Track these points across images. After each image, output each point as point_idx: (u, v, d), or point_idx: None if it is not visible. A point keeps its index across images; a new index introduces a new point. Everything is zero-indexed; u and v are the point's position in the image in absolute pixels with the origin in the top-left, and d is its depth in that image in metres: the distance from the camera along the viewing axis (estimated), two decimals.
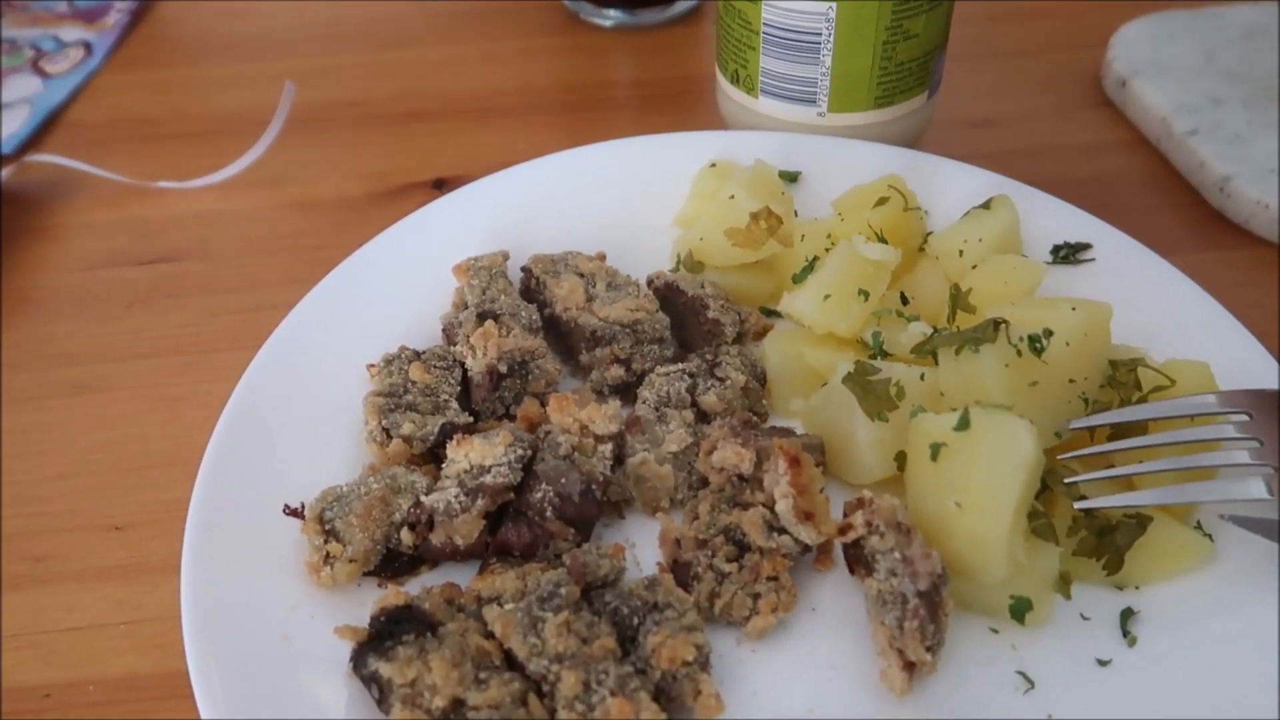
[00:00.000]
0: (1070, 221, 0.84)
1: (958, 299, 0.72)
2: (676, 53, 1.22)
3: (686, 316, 0.78)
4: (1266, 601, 0.60)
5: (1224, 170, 0.94)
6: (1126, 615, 0.61)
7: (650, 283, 0.81)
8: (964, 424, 0.60)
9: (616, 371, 0.74)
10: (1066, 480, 0.63)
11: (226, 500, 0.65)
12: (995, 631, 0.61)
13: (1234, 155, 0.95)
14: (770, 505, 0.64)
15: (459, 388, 0.72)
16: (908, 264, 0.80)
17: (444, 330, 0.77)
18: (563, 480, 0.64)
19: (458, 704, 0.54)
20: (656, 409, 0.71)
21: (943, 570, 0.57)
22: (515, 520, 0.64)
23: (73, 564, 0.71)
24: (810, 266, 0.77)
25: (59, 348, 0.88)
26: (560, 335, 0.78)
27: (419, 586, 0.63)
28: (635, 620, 0.59)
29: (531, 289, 0.80)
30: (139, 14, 1.34)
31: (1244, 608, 0.60)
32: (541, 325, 0.77)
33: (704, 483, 0.68)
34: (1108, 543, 0.62)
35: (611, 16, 1.26)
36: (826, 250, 0.78)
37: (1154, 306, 0.76)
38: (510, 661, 0.57)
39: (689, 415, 0.71)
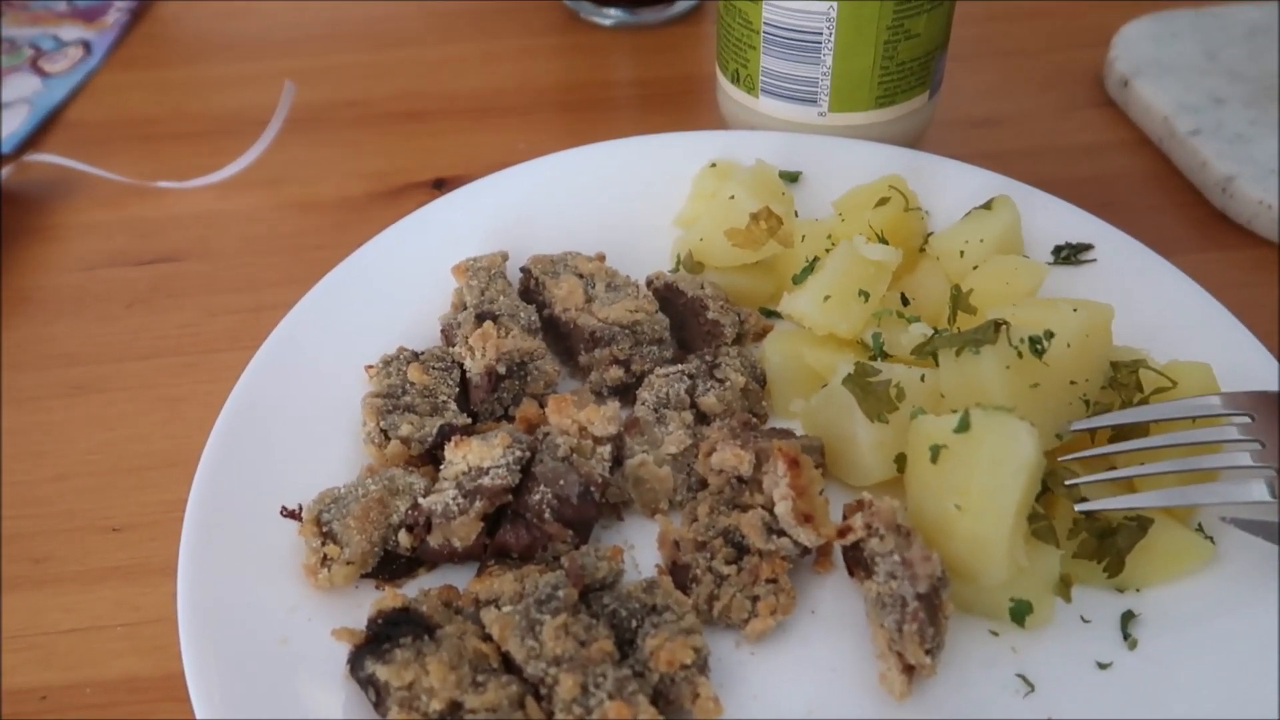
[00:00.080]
0: (1072, 222, 0.83)
1: (958, 300, 0.72)
2: (677, 52, 1.22)
3: (686, 317, 0.78)
4: (1268, 604, 0.60)
5: (1226, 170, 0.93)
6: (1127, 618, 0.61)
7: (650, 283, 0.80)
8: (964, 426, 0.60)
9: (615, 373, 0.74)
10: (1067, 482, 0.63)
11: (224, 502, 0.65)
12: (995, 634, 0.61)
13: (1236, 155, 0.95)
14: (769, 507, 0.64)
15: (458, 389, 0.72)
16: (908, 264, 0.79)
17: (443, 331, 0.77)
18: (561, 482, 0.64)
19: (455, 707, 0.54)
20: (655, 410, 0.71)
21: (942, 573, 0.57)
22: (513, 522, 0.64)
23: (72, 565, 0.71)
24: (810, 267, 0.77)
25: (58, 348, 0.88)
26: (559, 336, 0.78)
27: (417, 589, 0.63)
28: (634, 623, 0.59)
29: (531, 290, 0.80)
30: (138, 13, 1.34)
31: (1245, 610, 0.60)
32: (540, 326, 0.76)
33: (703, 484, 0.68)
34: (1108, 545, 0.61)
35: (612, 15, 1.25)
36: (827, 251, 0.78)
37: (1156, 307, 0.76)
38: (508, 664, 0.57)
39: (688, 417, 0.70)
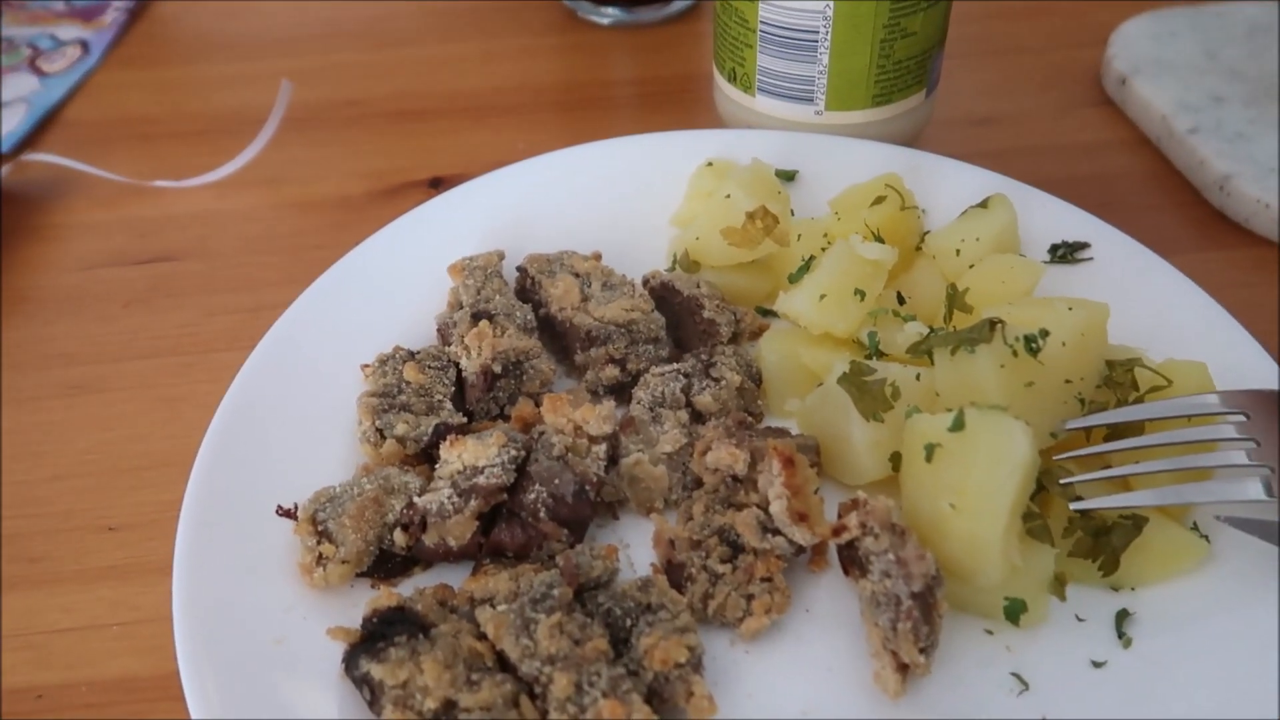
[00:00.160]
0: (1068, 221, 0.83)
1: (955, 298, 0.72)
2: (675, 51, 1.22)
3: (682, 316, 0.78)
4: (1263, 603, 0.60)
5: (1224, 169, 0.93)
6: (1122, 617, 0.61)
7: (646, 282, 0.80)
8: (959, 425, 0.60)
9: (611, 372, 0.74)
10: (1062, 481, 0.63)
11: (220, 501, 0.65)
12: (990, 633, 0.61)
13: (1234, 154, 0.94)
14: (764, 506, 0.64)
15: (453, 388, 0.72)
16: (905, 263, 0.79)
17: (439, 330, 0.77)
18: (556, 481, 0.64)
19: (449, 705, 0.54)
20: (651, 409, 0.71)
21: (936, 572, 0.57)
22: (508, 521, 0.64)
23: (69, 565, 0.71)
24: (807, 266, 0.77)
25: (57, 348, 0.88)
26: (555, 335, 0.78)
27: (412, 588, 0.63)
28: (628, 621, 0.59)
29: (527, 289, 0.80)
30: (136, 13, 1.34)
31: (1240, 609, 0.60)
32: (536, 325, 0.77)
33: (698, 483, 0.68)
34: (1103, 544, 0.61)
35: (609, 14, 1.25)
36: (823, 250, 0.78)
37: (1152, 306, 0.76)
38: (503, 663, 0.57)
39: (684, 415, 0.70)
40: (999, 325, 0.64)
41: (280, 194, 1.03)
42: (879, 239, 0.77)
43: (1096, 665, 0.59)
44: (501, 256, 0.81)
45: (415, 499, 0.64)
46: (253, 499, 0.66)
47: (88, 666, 0.65)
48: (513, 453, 0.65)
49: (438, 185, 1.03)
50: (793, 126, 0.92)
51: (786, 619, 0.62)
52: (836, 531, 0.60)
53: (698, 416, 0.72)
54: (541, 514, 0.63)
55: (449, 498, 0.63)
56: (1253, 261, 0.90)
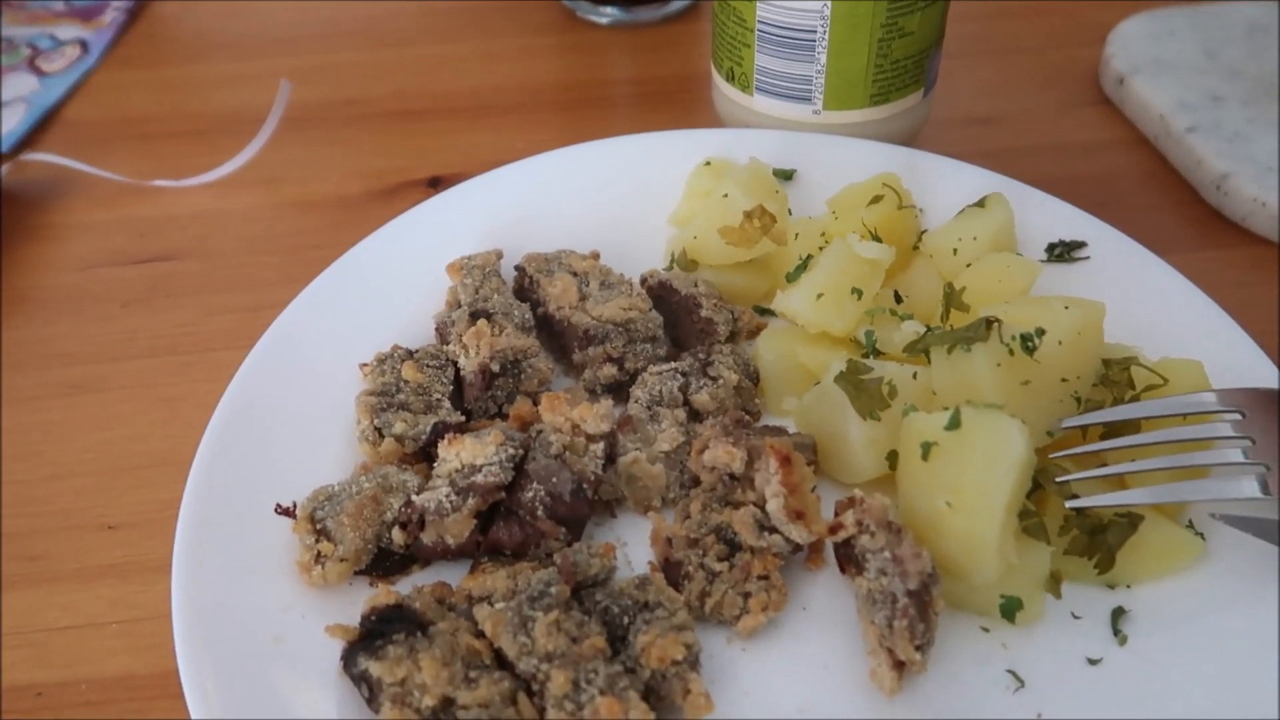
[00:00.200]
0: (1065, 220, 0.83)
1: (951, 297, 0.72)
2: (673, 50, 1.22)
3: (680, 315, 0.78)
4: (1258, 600, 0.60)
5: (1221, 168, 0.93)
6: (1117, 614, 0.61)
7: (643, 281, 0.81)
8: (955, 423, 0.60)
9: (609, 370, 0.74)
10: (1058, 479, 0.63)
11: (218, 499, 0.65)
12: (986, 630, 0.61)
13: (1232, 153, 0.95)
14: (761, 504, 0.64)
15: (452, 387, 0.72)
16: (902, 262, 0.79)
17: (437, 329, 0.77)
18: (554, 479, 0.64)
19: (447, 703, 0.54)
20: (649, 408, 0.71)
21: (932, 569, 0.57)
22: (506, 519, 0.64)
23: (68, 563, 0.71)
24: (804, 265, 0.77)
25: (56, 347, 0.88)
26: (553, 334, 0.78)
27: (410, 586, 0.63)
28: (625, 619, 0.59)
29: (525, 288, 0.80)
30: (136, 12, 1.34)
31: (1235, 607, 0.60)
32: (534, 324, 0.77)
33: (696, 482, 0.68)
34: (1099, 542, 0.61)
35: (608, 14, 1.26)
36: (821, 249, 0.78)
37: (1149, 305, 0.76)
38: (500, 660, 0.57)
39: (681, 414, 0.71)
40: (995, 324, 0.64)
41: (279, 194, 1.04)
42: (876, 238, 0.77)
43: (1092, 662, 0.59)
44: (500, 255, 0.81)
45: (413, 497, 0.64)
46: (251, 498, 0.66)
47: (87, 664, 0.66)
48: (510, 451, 0.65)
49: (436, 185, 1.03)
50: (791, 126, 0.92)
51: (783, 617, 0.62)
52: (833, 529, 0.60)
53: (695, 415, 0.72)
54: (539, 512, 0.63)
55: (447, 496, 0.63)
56: (1250, 260, 0.91)
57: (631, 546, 0.67)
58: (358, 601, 0.60)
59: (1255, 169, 0.93)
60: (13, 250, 0.98)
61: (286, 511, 0.65)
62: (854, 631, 0.61)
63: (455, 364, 0.73)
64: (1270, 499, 0.60)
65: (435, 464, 0.67)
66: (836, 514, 0.61)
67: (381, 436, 0.68)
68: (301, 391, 0.72)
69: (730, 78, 0.94)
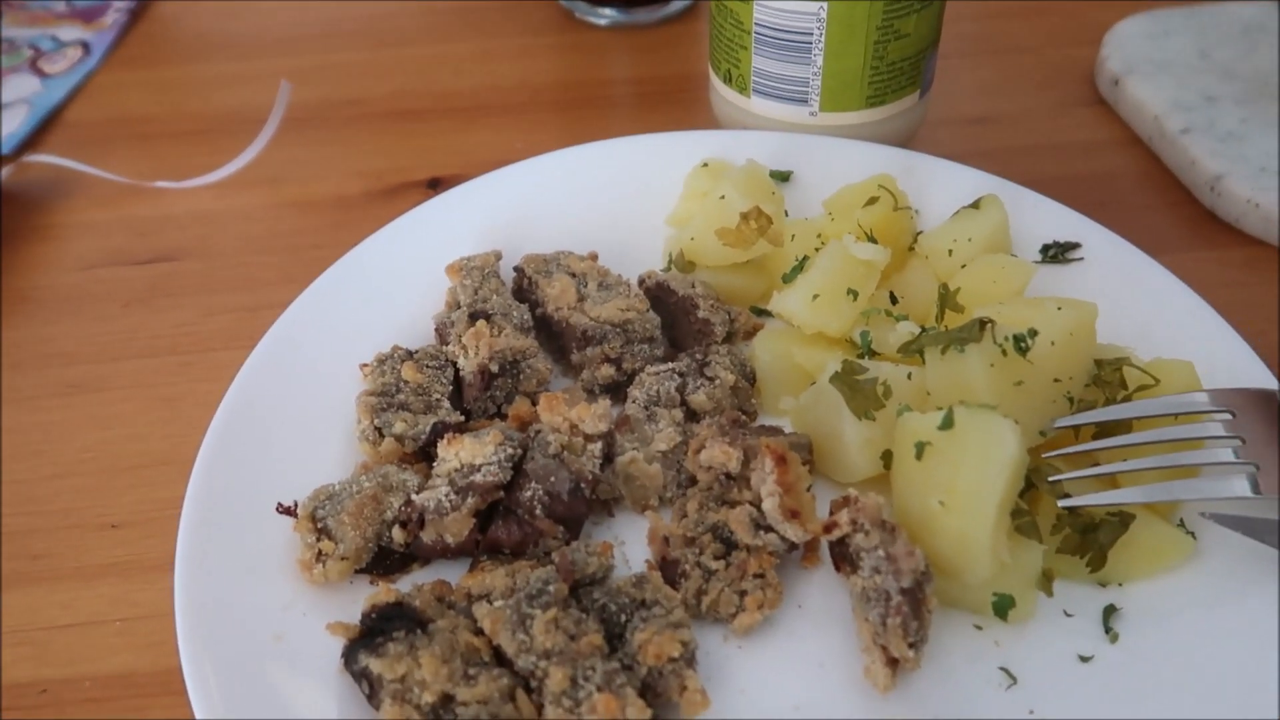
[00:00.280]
0: (1060, 221, 0.84)
1: (946, 298, 0.72)
2: (671, 51, 1.22)
3: (677, 316, 0.79)
4: (1248, 598, 0.61)
5: (1215, 169, 0.94)
6: (1109, 612, 0.62)
7: (641, 282, 0.81)
8: (948, 423, 0.61)
9: (607, 371, 0.75)
10: (1051, 479, 0.63)
11: (220, 499, 0.66)
12: (979, 628, 0.62)
13: (1225, 153, 0.95)
14: (757, 503, 0.64)
15: (451, 387, 0.73)
16: (897, 263, 0.80)
17: (436, 330, 0.78)
18: (552, 479, 0.65)
19: (447, 700, 0.55)
20: (646, 408, 0.71)
21: (926, 568, 0.58)
22: (505, 518, 0.65)
23: (69, 562, 0.72)
24: (800, 266, 0.78)
25: (57, 347, 0.89)
26: (552, 335, 0.78)
27: (410, 584, 0.64)
28: (623, 617, 0.60)
29: (524, 289, 0.81)
30: (137, 13, 1.34)
31: (1226, 605, 0.61)
32: (533, 325, 0.77)
33: (692, 481, 0.69)
34: (1091, 540, 0.62)
35: (606, 15, 1.26)
36: (817, 250, 0.78)
37: (1142, 306, 0.76)
38: (499, 657, 0.58)
39: (678, 414, 0.71)
40: (989, 325, 0.65)
41: (280, 194, 1.04)
42: (872, 239, 0.78)
43: (1084, 660, 0.60)
44: (499, 256, 0.82)
45: (413, 496, 0.65)
46: (252, 497, 0.66)
47: (88, 662, 0.66)
48: (509, 451, 0.65)
49: (436, 186, 1.04)
50: (787, 127, 0.93)
51: (779, 614, 0.63)
52: (828, 528, 0.61)
53: (692, 415, 0.72)
54: (538, 511, 0.64)
55: (446, 495, 0.63)
56: (1243, 261, 0.91)
57: (629, 545, 0.67)
58: (358, 600, 0.60)
59: (1249, 170, 0.93)
60: (13, 250, 0.99)
61: (288, 510, 0.65)
62: (848, 629, 0.62)
63: (455, 364, 0.74)
64: (1260, 498, 0.60)
65: (435, 464, 0.67)
66: (831, 513, 0.61)
67: (381, 436, 0.68)
68: (302, 391, 0.73)
69: (728, 79, 0.94)
